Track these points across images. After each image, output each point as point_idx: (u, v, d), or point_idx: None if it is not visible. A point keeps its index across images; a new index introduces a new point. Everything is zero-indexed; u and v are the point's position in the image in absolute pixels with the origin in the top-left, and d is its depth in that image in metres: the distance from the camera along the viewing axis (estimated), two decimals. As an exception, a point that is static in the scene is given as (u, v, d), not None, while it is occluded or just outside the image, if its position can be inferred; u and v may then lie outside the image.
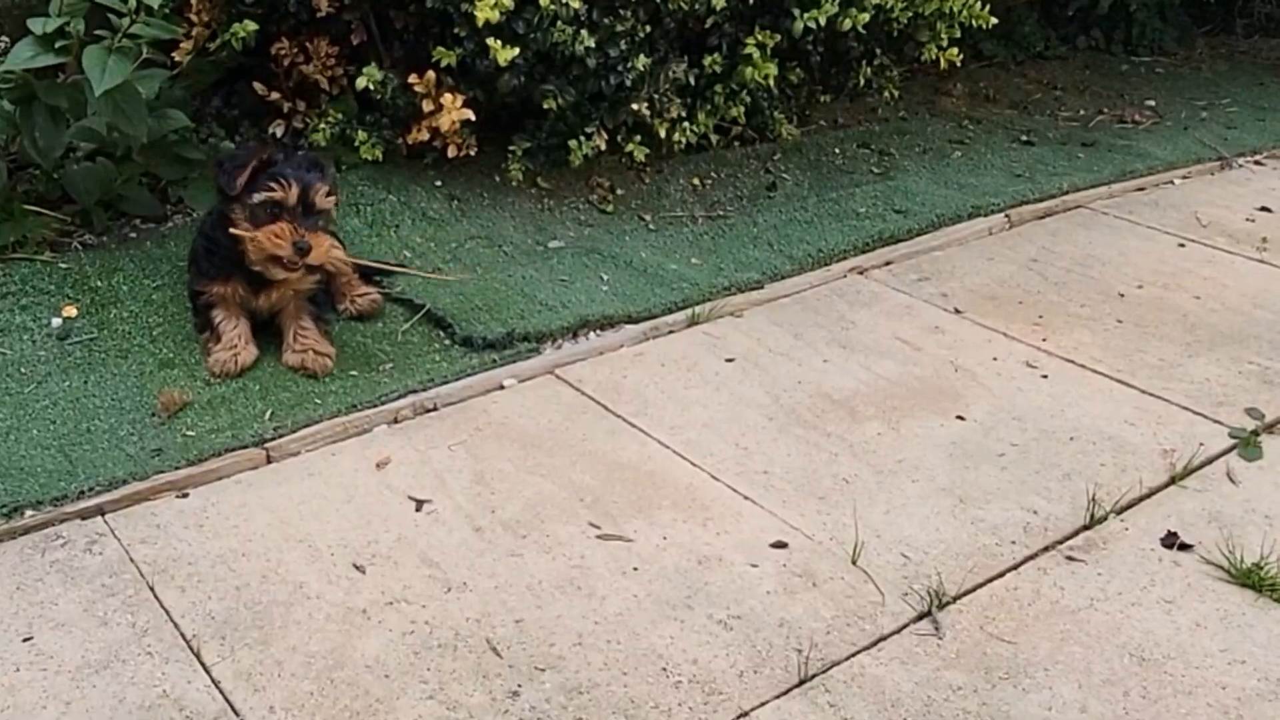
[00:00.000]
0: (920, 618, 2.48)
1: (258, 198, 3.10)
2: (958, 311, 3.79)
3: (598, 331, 3.57)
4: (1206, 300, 3.91)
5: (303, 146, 3.98)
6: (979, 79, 5.90)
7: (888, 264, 4.12)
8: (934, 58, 4.73)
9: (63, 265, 3.58)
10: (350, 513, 2.73)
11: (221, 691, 2.21)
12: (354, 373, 3.24)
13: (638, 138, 4.24)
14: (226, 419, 3.02)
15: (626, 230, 4.23)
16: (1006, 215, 4.50)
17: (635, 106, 4.11)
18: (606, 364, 3.42)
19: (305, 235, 3.11)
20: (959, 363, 3.48)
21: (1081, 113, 5.69)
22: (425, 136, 4.05)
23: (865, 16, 4.34)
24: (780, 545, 2.68)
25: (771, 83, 4.45)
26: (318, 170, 3.19)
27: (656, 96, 4.17)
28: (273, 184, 3.09)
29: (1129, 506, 2.86)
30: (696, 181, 4.54)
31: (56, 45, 3.33)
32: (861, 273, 4.05)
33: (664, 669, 2.31)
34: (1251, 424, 3.19)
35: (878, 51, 4.87)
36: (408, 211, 4.06)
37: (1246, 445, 3.10)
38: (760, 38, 4.29)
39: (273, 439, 2.95)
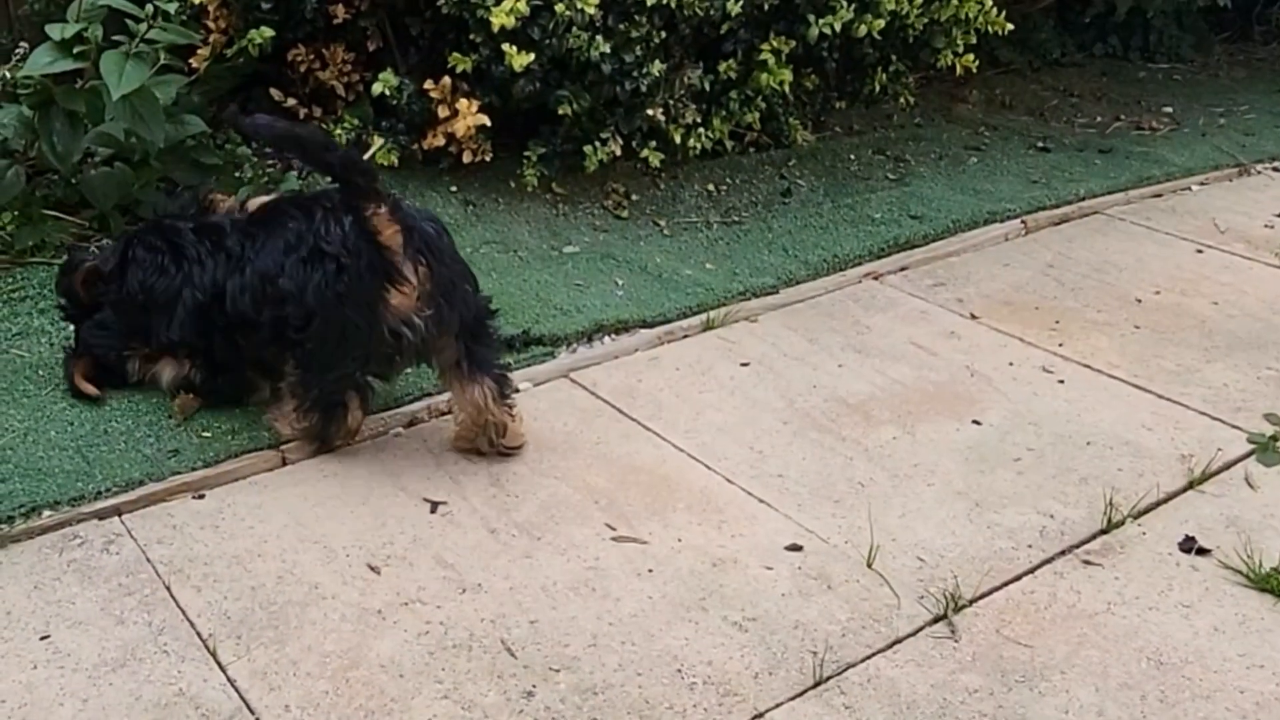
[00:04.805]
0: (936, 620, 2.47)
1: None
2: (973, 317, 3.78)
3: (612, 336, 3.57)
4: (1224, 306, 3.89)
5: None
6: (995, 85, 5.89)
7: (903, 269, 4.11)
8: (950, 64, 4.73)
9: (81, 269, 3.60)
10: (365, 514, 2.73)
11: (237, 690, 2.22)
12: (369, 376, 3.25)
13: (653, 143, 4.24)
14: (242, 421, 3.02)
15: (641, 235, 4.23)
16: (1023, 221, 4.49)
17: (650, 112, 4.11)
18: (621, 368, 3.42)
19: None
20: (975, 368, 3.47)
21: (1099, 119, 5.67)
22: (441, 142, 4.06)
23: (881, 23, 4.35)
24: (795, 548, 2.67)
25: (786, 89, 4.46)
26: None
27: (671, 102, 4.18)
28: None
29: (1146, 511, 2.84)
30: (711, 187, 4.54)
31: (75, 51, 3.35)
32: (877, 278, 4.05)
33: (679, 670, 2.31)
34: (1270, 429, 3.18)
35: (893, 58, 4.86)
36: (423, 216, 4.06)
37: (1265, 450, 3.08)
38: (775, 44, 4.29)
39: (288, 441, 2.95)
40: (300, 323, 2.77)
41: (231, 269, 2.91)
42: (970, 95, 5.72)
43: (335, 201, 2.79)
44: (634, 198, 4.42)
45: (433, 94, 3.99)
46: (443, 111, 4.00)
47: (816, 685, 2.28)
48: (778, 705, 2.24)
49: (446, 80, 3.98)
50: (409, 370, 3.12)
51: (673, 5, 3.95)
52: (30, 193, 3.69)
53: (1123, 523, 2.79)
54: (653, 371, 3.40)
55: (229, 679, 2.24)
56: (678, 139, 4.25)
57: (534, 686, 2.25)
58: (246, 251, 2.89)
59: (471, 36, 3.90)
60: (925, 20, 4.51)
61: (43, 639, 2.32)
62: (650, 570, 2.58)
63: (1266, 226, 4.56)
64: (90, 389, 3.06)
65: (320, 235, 2.76)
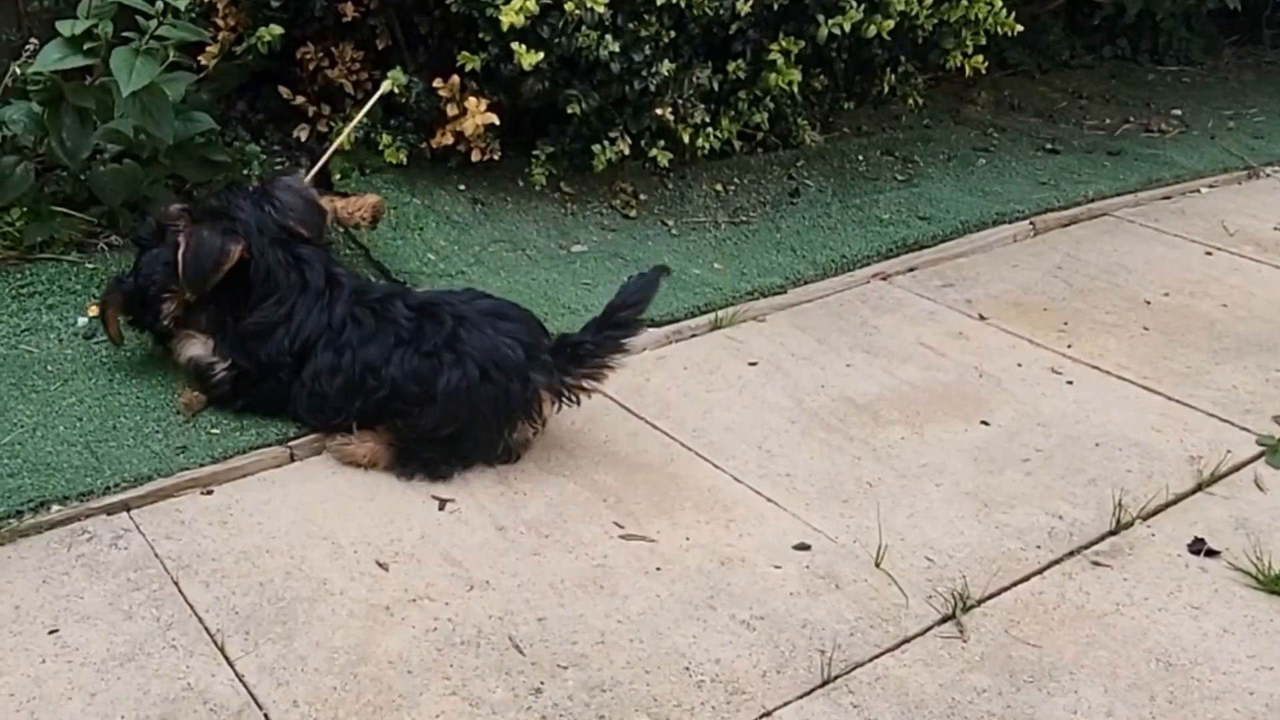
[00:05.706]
0: (944, 620, 2.46)
1: None
2: (982, 318, 3.78)
3: (620, 335, 3.57)
4: (1233, 308, 3.89)
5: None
6: (1004, 87, 5.88)
7: (912, 270, 4.11)
8: (959, 65, 4.72)
9: (89, 265, 3.60)
10: (373, 511, 2.74)
11: (245, 685, 2.22)
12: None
13: (661, 143, 4.24)
14: (250, 417, 3.02)
15: (649, 235, 4.23)
16: (1031, 223, 4.48)
17: (659, 111, 4.11)
18: (629, 366, 3.39)
19: None
20: (983, 368, 3.47)
21: (1107, 121, 5.66)
22: (449, 140, 4.06)
23: (890, 23, 4.34)
24: (803, 547, 2.67)
25: (795, 89, 4.45)
26: None
27: (680, 102, 4.17)
28: None
29: (1155, 512, 2.84)
30: (719, 187, 4.54)
31: (85, 47, 3.34)
32: (885, 278, 4.04)
33: (687, 668, 2.30)
34: (1279, 431, 3.17)
35: (902, 58, 4.85)
36: (431, 215, 4.06)
37: (1274, 452, 3.08)
38: (784, 44, 4.28)
39: (296, 437, 2.96)
40: (417, 407, 2.85)
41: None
42: (979, 97, 5.71)
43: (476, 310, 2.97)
44: (642, 197, 4.42)
45: (441, 92, 3.99)
46: (451, 110, 4.00)
47: (825, 684, 2.28)
48: (786, 704, 2.24)
49: (455, 79, 3.98)
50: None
51: (682, 5, 3.95)
52: (39, 189, 3.69)
53: (1131, 524, 2.79)
54: (661, 370, 3.40)
55: (237, 674, 2.24)
56: (686, 139, 4.24)
57: (542, 684, 2.25)
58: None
59: (481, 35, 3.90)
60: (935, 21, 4.50)
61: (51, 633, 2.32)
62: (658, 568, 2.58)
63: (1276, 229, 4.55)
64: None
65: (463, 341, 2.88)
